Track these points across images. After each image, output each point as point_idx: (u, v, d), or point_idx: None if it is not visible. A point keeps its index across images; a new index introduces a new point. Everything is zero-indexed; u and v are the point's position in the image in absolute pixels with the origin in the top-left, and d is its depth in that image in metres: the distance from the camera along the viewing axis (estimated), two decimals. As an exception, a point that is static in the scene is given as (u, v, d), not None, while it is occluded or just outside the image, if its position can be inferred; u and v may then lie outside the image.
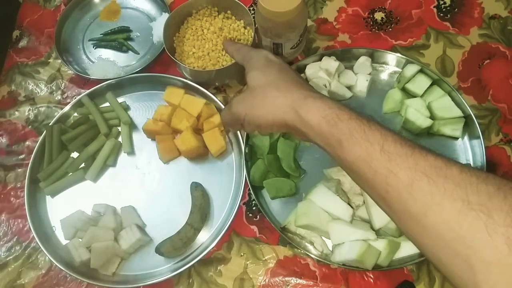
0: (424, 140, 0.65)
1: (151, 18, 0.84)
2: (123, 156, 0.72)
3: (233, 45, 0.60)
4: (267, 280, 0.61)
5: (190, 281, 0.62)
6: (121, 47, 0.81)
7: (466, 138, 0.65)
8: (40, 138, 0.71)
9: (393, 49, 0.74)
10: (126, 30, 0.83)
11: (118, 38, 0.81)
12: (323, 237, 0.60)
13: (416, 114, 0.64)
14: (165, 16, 0.79)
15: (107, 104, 0.75)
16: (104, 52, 0.82)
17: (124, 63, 0.80)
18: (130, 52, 0.81)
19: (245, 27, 0.75)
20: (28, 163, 0.69)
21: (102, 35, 0.83)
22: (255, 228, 0.64)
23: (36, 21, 0.88)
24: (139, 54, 0.81)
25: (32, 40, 0.86)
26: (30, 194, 0.68)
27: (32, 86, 0.81)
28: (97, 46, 0.83)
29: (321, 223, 0.58)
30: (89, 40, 0.83)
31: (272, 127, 0.48)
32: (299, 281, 0.60)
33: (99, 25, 0.84)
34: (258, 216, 0.65)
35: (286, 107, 0.45)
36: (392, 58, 0.71)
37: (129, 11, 0.86)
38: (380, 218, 0.58)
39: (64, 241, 0.66)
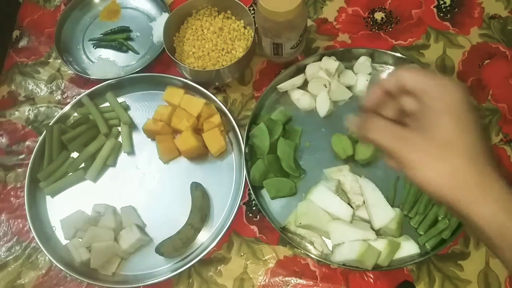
0: (424, 140, 0.65)
1: (151, 18, 0.84)
2: (123, 156, 0.71)
3: (416, 74, 0.38)
4: (267, 280, 0.61)
5: (190, 281, 0.62)
6: (121, 47, 0.81)
7: (466, 138, 0.65)
8: (40, 138, 0.71)
9: (393, 49, 0.74)
10: (126, 30, 0.83)
11: (118, 38, 0.81)
12: (323, 237, 0.60)
13: (416, 114, 0.64)
14: (165, 16, 0.79)
15: (107, 104, 0.75)
16: (104, 52, 0.82)
17: (124, 63, 0.80)
18: (130, 52, 0.81)
19: (245, 27, 0.75)
20: (28, 163, 0.69)
21: (102, 35, 0.83)
22: (255, 228, 0.64)
23: (36, 21, 0.88)
24: (139, 54, 0.81)
25: (32, 40, 0.86)
26: (30, 194, 0.68)
27: (32, 86, 0.81)
28: (97, 46, 0.83)
29: (321, 223, 0.58)
30: (89, 40, 0.83)
31: (428, 193, 0.37)
32: (299, 281, 0.60)
33: (99, 25, 0.84)
34: (258, 216, 0.65)
35: (459, 182, 0.35)
36: (392, 58, 0.71)
37: (129, 11, 0.86)
38: (380, 218, 0.58)
39: (64, 241, 0.66)
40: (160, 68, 0.77)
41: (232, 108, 0.73)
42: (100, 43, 0.83)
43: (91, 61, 0.81)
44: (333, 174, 0.63)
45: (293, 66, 0.71)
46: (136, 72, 0.74)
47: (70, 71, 0.80)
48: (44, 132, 0.70)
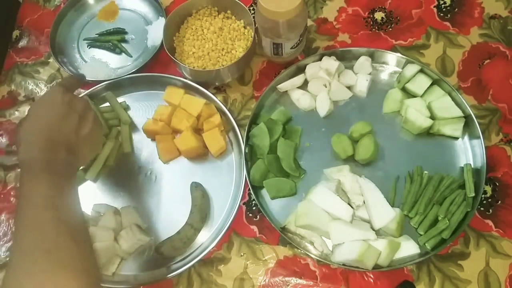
0: (424, 140, 0.65)
1: (147, 21, 0.83)
2: (123, 156, 0.71)
3: None
4: (267, 280, 0.61)
5: (190, 281, 0.62)
6: (115, 49, 0.81)
7: (466, 138, 0.65)
8: (40, 138, 0.70)
9: (393, 49, 0.74)
10: (121, 32, 0.82)
11: (112, 40, 0.81)
12: (323, 237, 0.60)
13: (416, 114, 0.64)
14: (162, 20, 0.79)
15: (107, 104, 0.74)
16: (98, 53, 0.81)
17: (116, 65, 0.79)
18: (123, 54, 0.80)
19: (245, 27, 0.74)
20: (28, 163, 0.69)
21: (97, 35, 0.83)
22: (255, 228, 0.64)
23: (36, 21, 0.88)
24: (131, 57, 0.80)
25: (32, 40, 0.86)
26: (30, 194, 0.67)
27: (32, 86, 0.81)
28: (91, 45, 0.82)
29: (321, 223, 0.58)
30: (84, 39, 0.83)
31: None
32: (299, 281, 0.60)
33: (96, 25, 0.84)
34: (258, 216, 0.65)
35: None
36: (392, 58, 0.71)
37: (127, 12, 0.85)
38: (380, 218, 0.58)
39: (64, 241, 0.65)
40: (159, 68, 0.77)
41: (232, 108, 0.73)
42: (94, 43, 0.82)
43: (84, 60, 0.81)
44: (333, 174, 0.63)
45: (293, 66, 0.71)
46: (129, 75, 0.74)
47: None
48: (44, 132, 0.70)
